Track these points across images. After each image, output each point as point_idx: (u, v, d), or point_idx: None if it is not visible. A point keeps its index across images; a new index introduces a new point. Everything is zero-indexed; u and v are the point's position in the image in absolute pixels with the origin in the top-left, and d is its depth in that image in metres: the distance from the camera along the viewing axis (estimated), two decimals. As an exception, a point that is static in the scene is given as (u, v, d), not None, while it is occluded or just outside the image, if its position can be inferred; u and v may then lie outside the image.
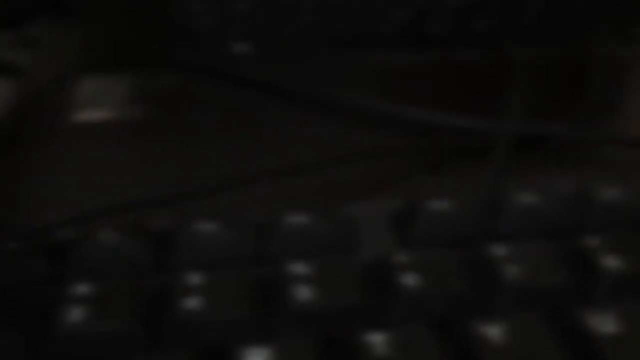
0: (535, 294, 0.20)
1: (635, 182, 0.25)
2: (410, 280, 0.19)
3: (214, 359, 0.18)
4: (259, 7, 0.37)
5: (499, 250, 0.20)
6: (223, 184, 0.22)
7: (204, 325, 0.18)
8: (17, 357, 0.18)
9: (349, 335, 0.18)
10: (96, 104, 0.28)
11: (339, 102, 0.28)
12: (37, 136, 0.27)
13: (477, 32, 0.35)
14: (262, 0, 0.37)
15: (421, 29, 0.35)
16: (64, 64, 0.31)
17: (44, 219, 0.21)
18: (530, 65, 0.31)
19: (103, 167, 0.25)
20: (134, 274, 0.20)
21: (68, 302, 0.18)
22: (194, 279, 0.19)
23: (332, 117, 0.28)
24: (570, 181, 0.24)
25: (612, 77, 0.31)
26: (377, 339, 0.18)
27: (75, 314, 0.18)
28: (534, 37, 0.34)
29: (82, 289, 0.19)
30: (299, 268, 0.20)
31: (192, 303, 0.19)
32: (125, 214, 0.21)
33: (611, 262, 0.20)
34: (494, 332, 0.18)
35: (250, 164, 0.25)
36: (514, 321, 0.18)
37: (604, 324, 0.18)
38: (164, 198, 0.21)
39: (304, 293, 0.19)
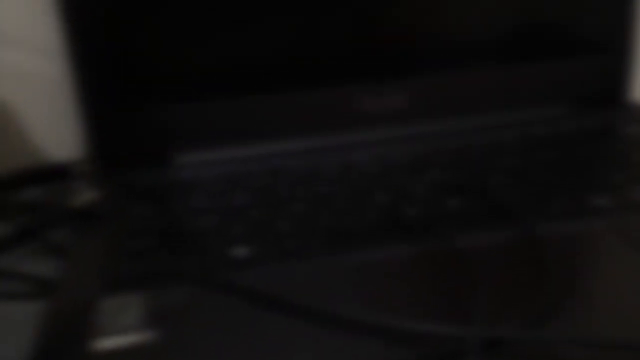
0: None
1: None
2: None
3: None
4: (254, 202, 0.41)
5: None
6: None
7: None
8: None
9: None
10: (114, 328, 0.32)
11: (331, 314, 0.31)
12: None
13: (448, 216, 0.39)
14: (257, 194, 0.42)
15: (397, 215, 0.39)
16: (85, 285, 0.35)
17: None
18: (493, 255, 0.35)
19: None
20: None
21: None
22: None
23: (326, 325, 0.32)
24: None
25: (570, 261, 0.35)
26: None
27: None
28: (495, 218, 0.39)
29: None
30: None
31: None
32: None
33: None
34: None
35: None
36: None
37: None
38: None
39: None
